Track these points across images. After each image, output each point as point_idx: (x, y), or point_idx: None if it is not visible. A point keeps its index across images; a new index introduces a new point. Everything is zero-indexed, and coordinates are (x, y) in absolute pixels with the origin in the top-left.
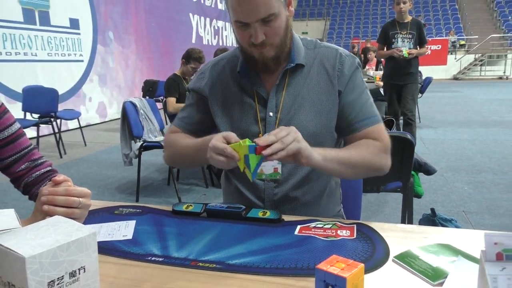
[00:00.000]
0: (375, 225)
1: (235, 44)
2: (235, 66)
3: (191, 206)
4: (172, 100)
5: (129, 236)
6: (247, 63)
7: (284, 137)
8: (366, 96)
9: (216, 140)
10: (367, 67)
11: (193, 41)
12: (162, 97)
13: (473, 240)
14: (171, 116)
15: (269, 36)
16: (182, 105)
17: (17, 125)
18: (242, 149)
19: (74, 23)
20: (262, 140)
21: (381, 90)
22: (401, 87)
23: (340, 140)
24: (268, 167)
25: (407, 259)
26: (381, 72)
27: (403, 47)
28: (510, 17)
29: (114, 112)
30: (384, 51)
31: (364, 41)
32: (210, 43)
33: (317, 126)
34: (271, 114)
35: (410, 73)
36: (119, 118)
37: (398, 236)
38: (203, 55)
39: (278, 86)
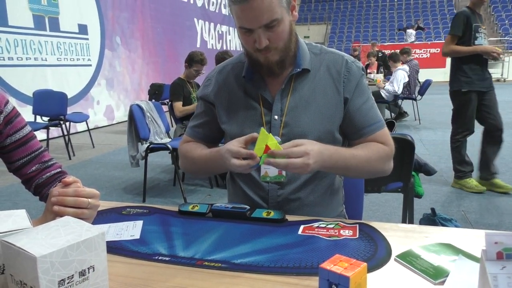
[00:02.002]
0: (377, 225)
1: (238, 48)
2: (240, 71)
3: (197, 206)
4: (178, 105)
5: (137, 236)
6: (252, 67)
7: (293, 162)
8: (371, 101)
9: (231, 144)
10: (368, 70)
11: (198, 45)
12: (168, 100)
13: (473, 239)
14: (179, 120)
15: (272, 41)
16: (188, 108)
17: (28, 128)
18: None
19: (83, 29)
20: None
21: (382, 93)
22: (482, 94)
23: (346, 142)
24: (273, 170)
25: (408, 258)
26: (381, 75)
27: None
28: (507, 21)
29: (121, 114)
30: (465, 47)
31: (370, 44)
32: (215, 47)
33: (321, 131)
34: (276, 117)
35: (491, 76)
36: (126, 121)
37: (399, 236)
38: (204, 57)
39: (284, 91)
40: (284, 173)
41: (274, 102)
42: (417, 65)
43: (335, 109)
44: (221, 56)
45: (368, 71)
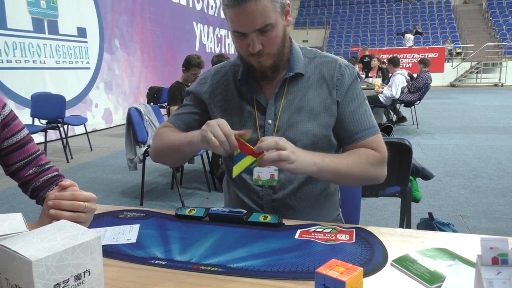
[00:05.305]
0: (373, 229)
1: (236, 52)
2: (236, 74)
3: (194, 210)
4: (174, 109)
5: (133, 239)
6: (246, 71)
7: (282, 152)
8: (365, 106)
9: (219, 123)
10: (369, 74)
11: (197, 48)
12: (166, 104)
13: (469, 244)
14: None
15: (266, 46)
16: None
17: (25, 131)
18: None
19: (82, 32)
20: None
21: (380, 97)
22: None
23: (340, 147)
24: (265, 173)
25: (405, 263)
26: (379, 79)
27: None
28: (504, 26)
29: (119, 118)
30: None
31: (362, 49)
32: (213, 51)
33: (315, 134)
34: (269, 121)
35: None
36: (124, 124)
37: (396, 240)
38: (201, 60)
39: (277, 94)
40: (276, 177)
41: (268, 106)
42: (430, 79)
43: (329, 113)
44: (218, 59)
45: (369, 74)
